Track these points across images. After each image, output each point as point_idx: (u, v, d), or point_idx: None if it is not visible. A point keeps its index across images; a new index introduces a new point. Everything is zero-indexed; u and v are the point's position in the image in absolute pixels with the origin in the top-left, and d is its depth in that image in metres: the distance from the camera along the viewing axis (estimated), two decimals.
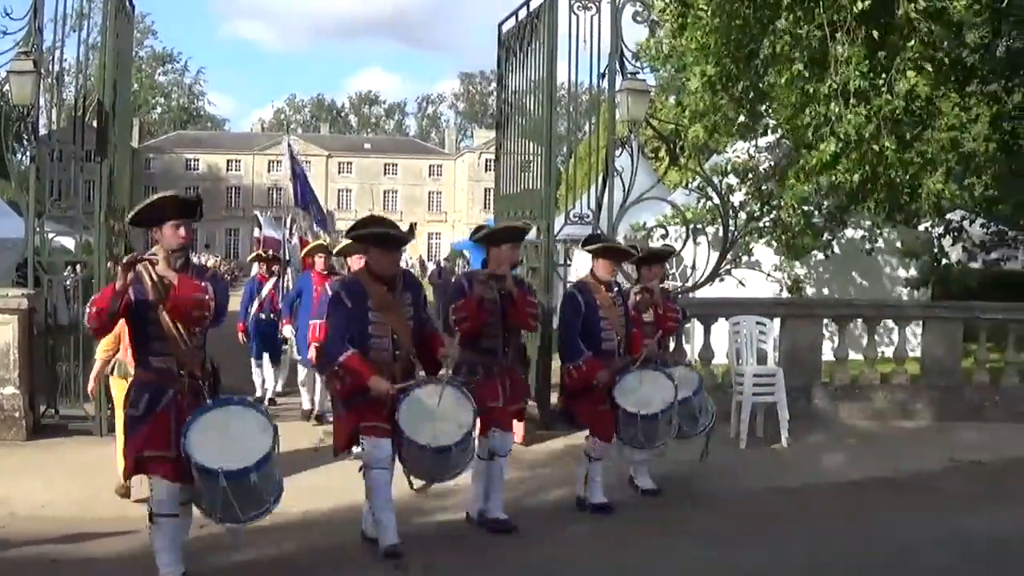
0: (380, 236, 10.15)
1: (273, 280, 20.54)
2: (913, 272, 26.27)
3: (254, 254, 23.46)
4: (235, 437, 8.57)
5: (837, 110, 18.08)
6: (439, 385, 10.13)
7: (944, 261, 25.81)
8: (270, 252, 21.11)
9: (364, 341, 9.94)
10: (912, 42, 18.14)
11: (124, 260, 8.69)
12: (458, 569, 10.00)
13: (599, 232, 15.81)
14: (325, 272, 17.54)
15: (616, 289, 12.32)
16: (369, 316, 9.98)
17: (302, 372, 18.01)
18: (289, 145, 25.74)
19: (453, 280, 12.30)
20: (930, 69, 18.79)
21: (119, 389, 11.58)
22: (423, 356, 10.48)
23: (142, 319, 8.75)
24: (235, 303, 16.53)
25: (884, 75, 18.25)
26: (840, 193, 21.04)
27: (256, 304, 20.37)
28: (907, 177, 20.03)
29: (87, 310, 8.66)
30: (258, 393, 19.40)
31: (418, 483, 10.36)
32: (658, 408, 11.60)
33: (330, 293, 12.43)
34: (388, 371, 9.95)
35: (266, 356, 19.98)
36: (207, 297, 8.78)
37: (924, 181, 20.20)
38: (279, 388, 20.46)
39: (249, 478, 8.39)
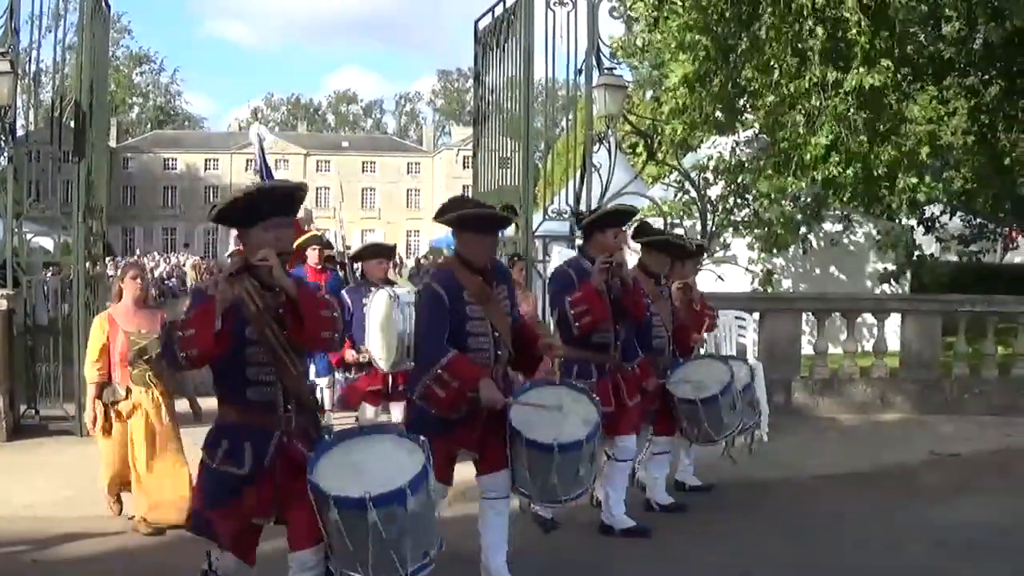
0: (481, 217, 8.80)
1: None
2: (888, 265, 26.28)
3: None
4: (373, 468, 6.81)
5: (818, 103, 18.21)
6: (552, 386, 9.21)
7: (917, 254, 25.85)
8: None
9: (462, 341, 8.60)
10: (861, 38, 18.29)
11: (231, 266, 7.10)
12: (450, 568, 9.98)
13: (648, 221, 15.57)
14: (320, 267, 16.47)
15: (664, 282, 11.93)
16: (467, 311, 8.64)
17: None
18: (259, 135, 23.87)
19: (555, 271, 11.14)
20: (888, 64, 18.94)
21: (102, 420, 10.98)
22: (518, 354, 9.13)
23: (236, 340, 6.90)
24: None
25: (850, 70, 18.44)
26: (830, 187, 21.07)
27: None
28: (884, 170, 20.15)
29: (176, 335, 6.70)
30: None
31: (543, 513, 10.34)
32: (716, 390, 11.18)
33: (420, 287, 10.55)
34: (489, 373, 8.67)
35: None
36: (336, 314, 7.27)
37: (900, 175, 20.31)
38: None
39: (406, 504, 6.55)
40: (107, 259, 20.29)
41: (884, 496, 12.57)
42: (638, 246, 11.81)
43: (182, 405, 10.82)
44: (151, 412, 10.74)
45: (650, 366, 11.07)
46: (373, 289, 13.06)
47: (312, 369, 14.92)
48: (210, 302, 6.68)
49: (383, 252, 14.63)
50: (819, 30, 18.77)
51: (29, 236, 16.23)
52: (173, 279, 63.05)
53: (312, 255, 16.32)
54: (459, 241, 8.87)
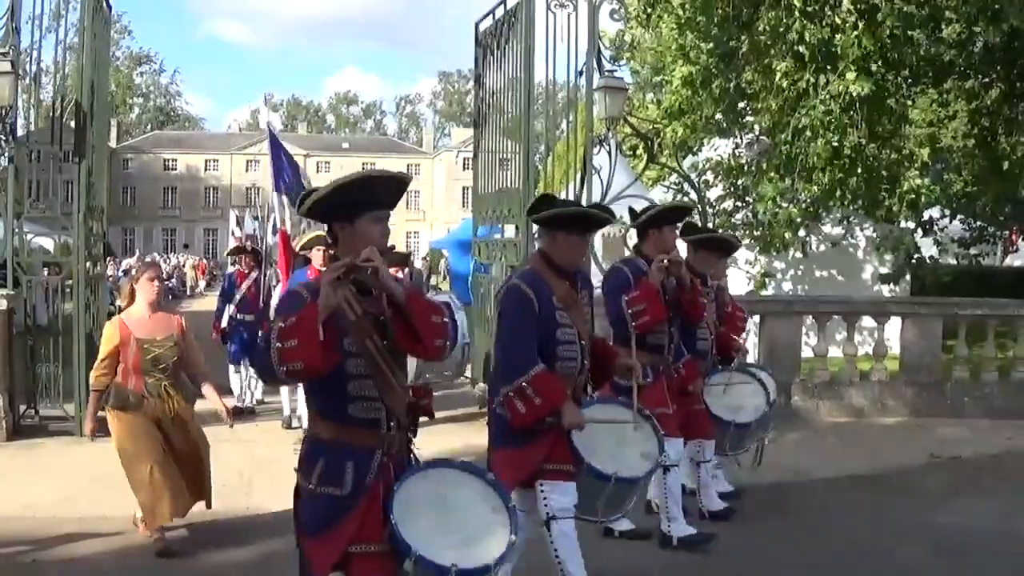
0: (580, 216, 8.28)
1: (253, 277, 19.04)
2: (886, 269, 26.25)
3: (232, 246, 21.77)
4: (456, 517, 6.26)
5: (815, 106, 18.26)
6: (617, 405, 8.64)
7: (917, 256, 25.84)
8: (249, 244, 19.80)
9: (551, 350, 7.97)
10: (852, 48, 18.34)
11: (336, 268, 5.94)
12: None
13: (695, 221, 15.36)
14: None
15: (709, 283, 11.38)
16: (557, 318, 7.98)
17: None
18: (269, 123, 22.28)
19: (610, 270, 10.60)
20: (879, 68, 18.97)
21: (119, 424, 9.91)
22: (592, 366, 8.40)
23: (336, 351, 5.98)
24: (210, 302, 15.78)
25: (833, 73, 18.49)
26: (836, 190, 21.08)
27: (235, 303, 19.07)
28: (885, 174, 20.16)
29: (276, 345, 5.73)
30: (235, 402, 17.78)
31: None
32: (751, 417, 11.19)
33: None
34: (572, 386, 8.14)
35: (245, 360, 18.21)
36: (447, 320, 6.39)
37: (902, 178, 20.33)
38: (259, 395, 18.96)
39: None
40: (107, 260, 20.21)
41: (884, 499, 12.55)
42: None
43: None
44: (169, 426, 9.98)
45: (695, 369, 10.74)
46: None
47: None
48: (310, 309, 5.83)
49: (399, 259, 14.31)
50: (807, 34, 18.78)
51: (29, 236, 16.17)
52: (173, 280, 62.92)
53: (317, 256, 15.14)
54: (549, 241, 8.27)
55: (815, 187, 21.32)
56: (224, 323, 19.55)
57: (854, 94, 18.54)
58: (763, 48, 19.48)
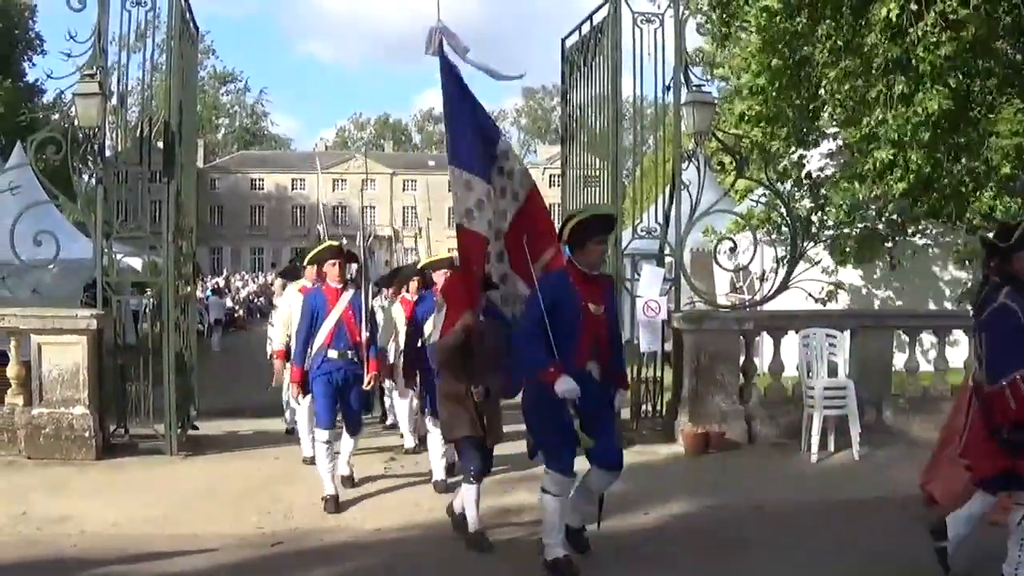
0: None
1: (349, 295, 12.69)
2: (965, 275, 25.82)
3: (323, 246, 13.65)
4: None
5: (881, 115, 18.07)
6: None
7: None
8: (344, 244, 13.29)
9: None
10: (930, 54, 18.11)
11: None
12: None
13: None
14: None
15: None
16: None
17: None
18: (441, 32, 12.69)
19: (996, 311, 8.23)
20: (953, 85, 18.74)
21: None
22: None
23: None
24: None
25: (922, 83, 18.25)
26: (892, 198, 20.84)
27: (326, 333, 12.52)
28: (959, 187, 19.97)
29: None
30: (311, 456, 14.06)
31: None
32: None
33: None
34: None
35: (343, 424, 13.10)
36: None
37: (976, 196, 20.10)
38: (345, 469, 13.36)
39: None
40: (197, 279, 20.13)
41: None
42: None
43: None
44: None
45: None
46: None
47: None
48: None
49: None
50: (880, 50, 18.52)
51: (118, 256, 16.27)
52: (261, 298, 63.30)
53: (439, 278, 12.82)
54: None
55: (874, 191, 21.03)
56: (304, 362, 12.78)
57: (930, 110, 18.26)
58: (831, 58, 19.30)
